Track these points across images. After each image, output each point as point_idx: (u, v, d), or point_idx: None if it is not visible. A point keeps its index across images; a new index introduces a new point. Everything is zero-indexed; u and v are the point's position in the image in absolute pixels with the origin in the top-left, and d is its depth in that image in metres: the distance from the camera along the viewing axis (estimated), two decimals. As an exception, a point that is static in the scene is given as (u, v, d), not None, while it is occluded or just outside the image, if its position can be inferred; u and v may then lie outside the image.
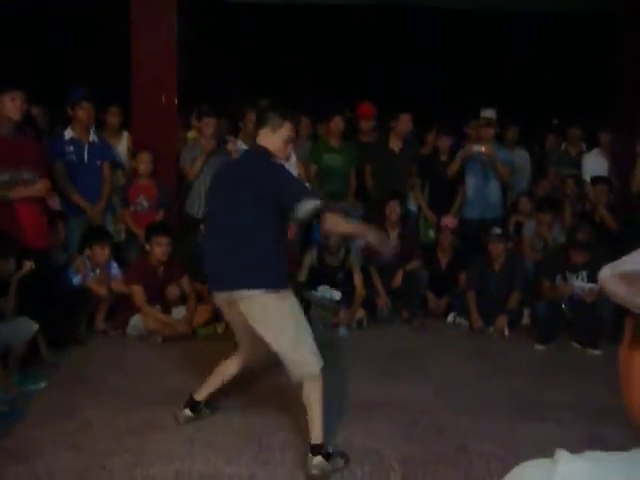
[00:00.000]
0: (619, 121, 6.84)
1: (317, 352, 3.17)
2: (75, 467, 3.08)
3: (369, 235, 3.23)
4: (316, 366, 3.12)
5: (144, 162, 5.84)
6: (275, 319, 3.15)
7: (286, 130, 3.30)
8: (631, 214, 6.11)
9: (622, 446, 2.47)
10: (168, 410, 3.70)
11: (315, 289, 5.76)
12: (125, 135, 6.26)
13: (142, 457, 3.18)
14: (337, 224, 3.29)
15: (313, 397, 3.11)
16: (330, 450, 3.13)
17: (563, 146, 7.06)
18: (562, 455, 0.67)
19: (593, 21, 7.60)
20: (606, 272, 0.75)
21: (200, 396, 3.65)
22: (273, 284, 3.13)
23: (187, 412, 3.62)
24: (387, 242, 3.59)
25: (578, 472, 0.65)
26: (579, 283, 5.37)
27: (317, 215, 3.09)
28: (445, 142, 6.50)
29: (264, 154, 3.28)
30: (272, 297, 3.12)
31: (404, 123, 6.35)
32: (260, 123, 3.35)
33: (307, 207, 3.02)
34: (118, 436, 3.42)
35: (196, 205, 5.97)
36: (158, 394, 4.00)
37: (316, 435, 3.08)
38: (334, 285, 5.76)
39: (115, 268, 5.40)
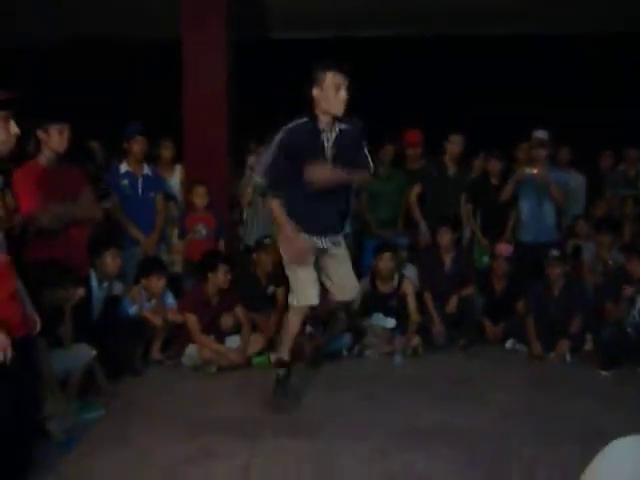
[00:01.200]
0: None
1: None
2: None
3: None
4: None
5: (200, 196, 5.96)
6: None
7: (329, 79, 3.73)
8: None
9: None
10: (223, 438, 3.67)
11: (369, 317, 5.69)
12: (178, 168, 6.39)
13: (198, 485, 3.15)
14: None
15: None
16: None
17: (621, 167, 6.88)
18: None
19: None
20: None
21: (285, 355, 4.25)
22: None
23: (281, 372, 4.22)
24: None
25: None
26: None
27: None
28: (496, 165, 6.41)
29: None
30: None
31: (455, 145, 6.31)
32: (311, 88, 3.79)
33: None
34: (173, 465, 3.39)
35: (250, 233, 6.06)
36: (213, 423, 3.97)
37: None
38: (388, 312, 5.68)
39: (170, 298, 5.45)
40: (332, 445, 3.58)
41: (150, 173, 5.86)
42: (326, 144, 3.86)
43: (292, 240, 3.95)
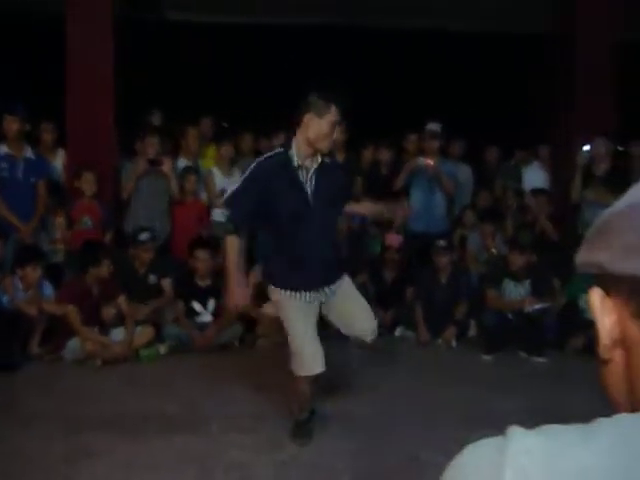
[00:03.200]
0: (557, 134, 7.00)
1: None
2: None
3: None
4: None
5: (89, 182, 5.69)
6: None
7: (332, 114, 3.28)
8: (571, 225, 6.21)
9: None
10: (105, 436, 3.52)
11: (261, 307, 5.64)
12: (60, 153, 6.06)
13: (77, 485, 2.99)
14: None
15: None
16: None
17: (513, 161, 7.16)
18: (514, 431, 0.58)
19: (536, 39, 7.80)
20: (579, 250, 0.69)
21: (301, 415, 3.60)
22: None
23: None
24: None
25: (533, 448, 0.56)
26: (532, 305, 5.36)
27: None
28: (386, 155, 6.51)
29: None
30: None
31: (338, 133, 6.28)
32: (303, 109, 3.30)
33: None
34: (51, 465, 3.21)
35: (131, 224, 5.83)
36: (95, 420, 3.80)
37: None
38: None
39: (49, 289, 5.17)
40: (219, 439, 3.51)
41: (33, 157, 5.52)
42: (302, 179, 3.35)
43: (233, 292, 3.39)
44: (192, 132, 6.41)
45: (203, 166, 6.49)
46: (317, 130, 3.26)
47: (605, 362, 0.67)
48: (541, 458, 0.55)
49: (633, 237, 0.60)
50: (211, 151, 6.73)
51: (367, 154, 6.86)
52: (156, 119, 6.83)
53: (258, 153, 6.84)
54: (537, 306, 5.31)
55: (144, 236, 5.48)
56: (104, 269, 5.03)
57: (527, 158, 7.02)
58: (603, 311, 0.65)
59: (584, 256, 0.68)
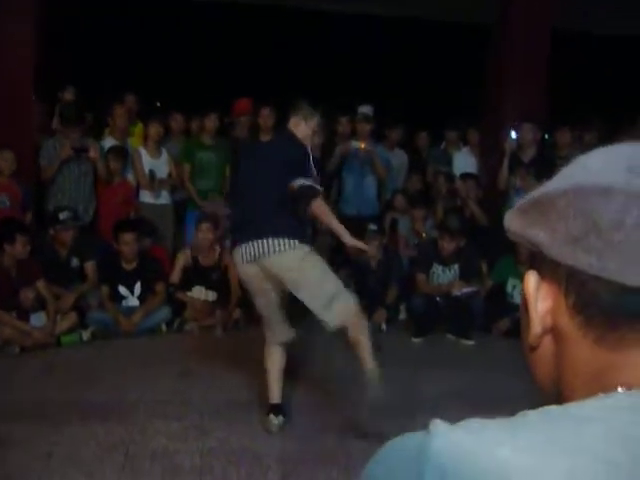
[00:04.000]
0: (486, 120, 7.12)
1: None
2: None
3: (346, 237, 3.59)
4: None
5: (7, 160, 5.42)
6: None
7: (316, 123, 3.68)
8: (499, 210, 6.32)
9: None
10: (24, 425, 3.36)
11: (190, 290, 5.53)
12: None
13: (-7, 477, 2.85)
14: (325, 212, 3.55)
15: None
16: None
17: (442, 145, 7.23)
18: (437, 427, 0.54)
19: (465, 28, 7.90)
20: (509, 214, 0.65)
21: (276, 398, 3.54)
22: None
23: (274, 418, 3.44)
24: (361, 246, 3.81)
25: (454, 447, 0.52)
26: (460, 289, 5.44)
27: (309, 196, 3.36)
28: (319, 138, 6.44)
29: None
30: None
31: (265, 118, 6.22)
32: (292, 111, 3.69)
33: (304, 182, 3.34)
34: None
35: (53, 204, 5.59)
36: (13, 408, 3.62)
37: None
38: (209, 286, 5.54)
39: (-37, 272, 4.90)
40: (145, 426, 3.41)
41: None
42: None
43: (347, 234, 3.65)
44: (119, 110, 6.19)
45: (131, 145, 6.28)
46: (301, 132, 3.61)
47: (533, 348, 0.64)
48: (462, 457, 0.51)
49: (577, 226, 0.57)
50: (138, 129, 6.52)
51: None
52: (69, 95, 6.53)
53: (188, 134, 6.70)
54: (465, 290, 5.40)
55: (64, 215, 5.26)
56: (19, 247, 4.77)
57: (457, 143, 7.11)
58: (537, 297, 0.61)
59: (519, 227, 0.64)
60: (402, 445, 0.56)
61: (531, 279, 0.62)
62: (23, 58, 5.77)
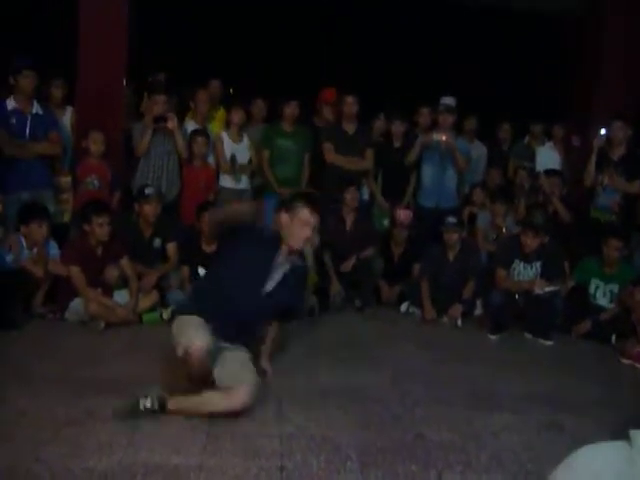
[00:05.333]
0: (572, 115, 6.89)
1: None
2: (6, 459, 2.82)
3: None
4: None
5: (97, 142, 5.62)
6: None
7: (304, 214, 3.47)
8: (583, 208, 6.13)
9: (578, 433, 2.38)
10: (109, 400, 3.46)
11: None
12: (69, 110, 5.94)
13: (81, 449, 2.94)
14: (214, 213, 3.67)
15: None
16: None
17: (526, 139, 7.05)
18: None
19: (553, 17, 7.64)
20: None
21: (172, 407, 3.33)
22: None
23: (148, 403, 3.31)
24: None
25: None
26: (542, 287, 5.30)
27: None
28: (399, 128, 6.39)
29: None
30: None
31: (349, 105, 6.21)
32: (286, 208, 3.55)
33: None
34: (54, 427, 3.16)
35: (138, 183, 5.75)
36: (99, 383, 3.74)
37: None
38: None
39: (55, 248, 5.11)
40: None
41: (41, 112, 5.40)
42: (274, 271, 3.54)
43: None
44: (202, 95, 6.29)
45: (212, 130, 6.38)
46: (291, 230, 3.48)
47: None
48: None
49: None
50: (220, 115, 6.61)
51: (379, 125, 6.76)
52: (161, 79, 6.71)
53: (268, 120, 6.76)
54: (547, 289, 5.26)
55: (149, 190, 5.41)
56: (97, 229, 4.92)
57: (541, 137, 6.91)
58: None
59: None
60: (603, 455, 0.54)
61: None
62: (116, 42, 5.95)
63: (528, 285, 5.35)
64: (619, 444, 0.53)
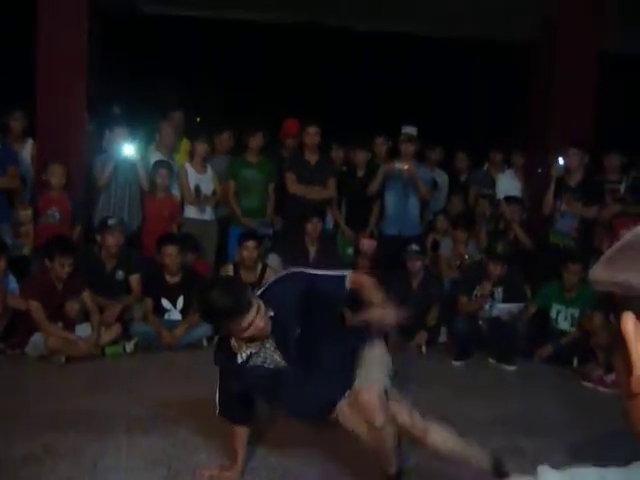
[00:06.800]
0: (531, 143, 7.06)
1: None
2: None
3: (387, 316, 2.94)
4: None
5: (57, 175, 5.56)
6: None
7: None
8: (543, 234, 6.25)
9: (539, 456, 2.40)
10: (69, 435, 3.41)
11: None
12: (29, 142, 5.90)
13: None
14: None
15: None
16: None
17: (485, 167, 7.18)
18: (546, 473, 0.54)
19: (506, 47, 7.87)
20: (595, 267, 0.65)
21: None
22: None
23: None
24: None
25: None
26: (500, 305, 5.40)
27: None
28: (362, 157, 6.46)
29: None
30: None
31: (311, 136, 6.27)
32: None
33: None
34: (12, 466, 3.09)
35: (99, 214, 5.75)
36: (59, 418, 3.68)
37: None
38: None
39: (13, 282, 5.02)
40: (186, 441, 3.43)
41: (0, 146, 5.35)
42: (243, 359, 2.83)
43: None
44: (166, 126, 6.31)
45: (177, 161, 6.38)
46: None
47: (634, 395, 0.62)
48: None
49: None
50: (184, 145, 6.62)
51: (339, 154, 6.83)
52: (116, 111, 6.73)
53: (234, 151, 6.77)
54: (507, 305, 5.35)
55: (112, 220, 5.39)
56: (59, 268, 4.86)
57: (501, 165, 7.04)
58: (638, 337, 0.61)
59: (605, 275, 0.64)
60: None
61: (629, 320, 0.61)
62: (76, 73, 5.92)
63: (484, 299, 5.41)
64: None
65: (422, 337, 5.64)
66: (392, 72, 9.10)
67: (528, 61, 7.41)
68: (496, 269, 5.39)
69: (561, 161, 6.03)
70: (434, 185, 6.75)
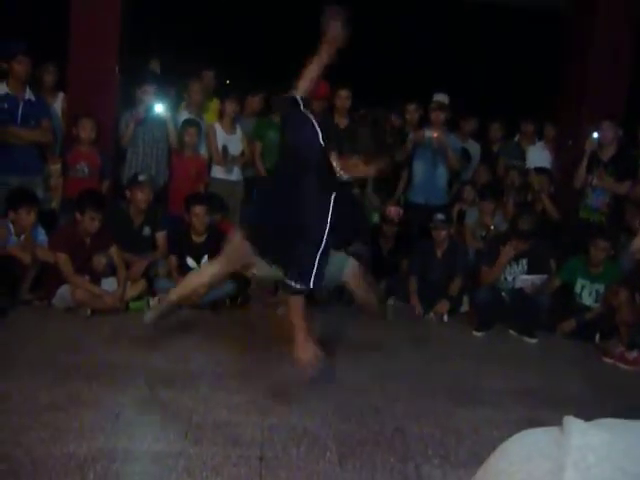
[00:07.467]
0: (563, 115, 6.91)
1: None
2: (-14, 442, 2.84)
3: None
4: None
5: (86, 129, 5.57)
6: None
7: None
8: (573, 209, 6.15)
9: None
10: (92, 386, 3.49)
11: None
12: (60, 96, 5.92)
13: (62, 433, 2.96)
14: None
15: None
16: None
17: (516, 138, 7.07)
18: (574, 425, 0.53)
19: (541, 17, 7.66)
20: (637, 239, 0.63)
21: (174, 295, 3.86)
22: None
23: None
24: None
25: (597, 445, 0.51)
26: (524, 276, 5.36)
27: None
28: (394, 123, 6.37)
29: None
30: None
31: (342, 99, 6.21)
32: None
33: None
34: (37, 411, 3.18)
35: (128, 173, 5.78)
36: (83, 369, 3.76)
37: None
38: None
39: (42, 235, 5.09)
40: (207, 397, 3.49)
41: (33, 98, 5.37)
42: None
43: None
44: (195, 85, 6.28)
45: (206, 120, 6.37)
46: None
47: None
48: (608, 458, 0.50)
49: None
50: (213, 105, 6.60)
51: None
52: (155, 67, 6.70)
53: (262, 114, 6.73)
54: (530, 276, 5.31)
55: (142, 177, 5.43)
56: (88, 221, 4.92)
57: (532, 136, 6.93)
58: None
59: None
60: (534, 439, 0.55)
61: None
62: (109, 27, 5.90)
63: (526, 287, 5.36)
64: (551, 429, 0.54)
65: (444, 306, 5.63)
66: (426, 39, 8.93)
67: (563, 31, 7.21)
68: (520, 246, 5.33)
69: (595, 135, 5.91)
70: (466, 155, 6.66)
